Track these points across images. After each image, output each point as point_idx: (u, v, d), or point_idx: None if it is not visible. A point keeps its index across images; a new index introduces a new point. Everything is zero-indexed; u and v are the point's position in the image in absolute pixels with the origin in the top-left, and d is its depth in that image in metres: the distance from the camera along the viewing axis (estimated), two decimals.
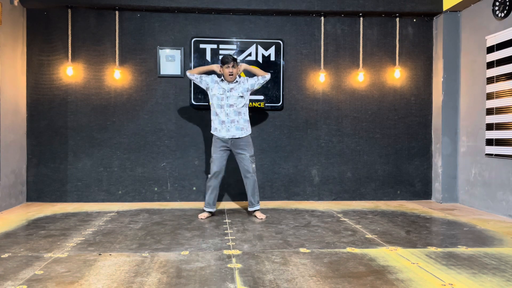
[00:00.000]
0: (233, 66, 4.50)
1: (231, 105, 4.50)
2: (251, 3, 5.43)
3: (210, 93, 4.61)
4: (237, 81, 4.58)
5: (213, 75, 4.66)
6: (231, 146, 4.55)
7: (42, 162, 5.47)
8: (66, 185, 5.49)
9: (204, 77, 4.62)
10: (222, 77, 4.59)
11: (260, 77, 4.66)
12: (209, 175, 4.59)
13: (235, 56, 4.66)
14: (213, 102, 4.56)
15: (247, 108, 4.64)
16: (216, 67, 4.65)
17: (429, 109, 5.86)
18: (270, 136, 5.69)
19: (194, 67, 5.56)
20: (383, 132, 5.81)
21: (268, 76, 4.68)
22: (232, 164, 5.63)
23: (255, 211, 4.64)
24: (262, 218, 4.55)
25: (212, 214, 4.68)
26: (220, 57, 5.61)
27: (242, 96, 4.55)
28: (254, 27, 5.67)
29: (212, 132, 4.60)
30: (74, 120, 5.50)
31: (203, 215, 4.58)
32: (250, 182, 4.58)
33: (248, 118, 4.63)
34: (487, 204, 5.03)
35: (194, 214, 4.74)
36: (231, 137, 4.50)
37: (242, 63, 4.85)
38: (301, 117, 5.72)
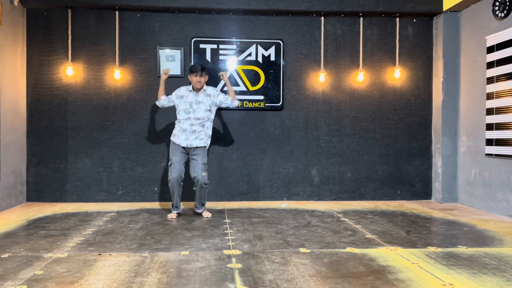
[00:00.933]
0: (201, 75, 4.51)
1: (197, 118, 4.52)
2: (251, 3, 5.43)
3: (177, 108, 4.62)
4: (205, 90, 4.58)
5: (177, 90, 4.66)
6: (188, 152, 4.55)
7: (42, 162, 5.47)
8: (66, 185, 5.49)
9: (171, 97, 4.66)
10: (191, 87, 4.61)
11: (229, 99, 4.66)
12: (169, 179, 4.52)
13: (203, 64, 4.65)
14: (179, 116, 4.58)
15: (211, 123, 4.64)
16: (163, 77, 4.71)
17: (429, 109, 5.86)
18: (270, 136, 5.69)
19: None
20: (383, 132, 5.81)
21: (236, 103, 4.70)
22: (232, 164, 5.63)
23: (201, 212, 4.70)
24: (208, 216, 4.61)
25: (179, 214, 4.70)
26: (220, 57, 5.62)
27: (209, 110, 4.57)
28: (254, 27, 5.67)
29: (171, 137, 4.60)
30: (74, 120, 5.50)
31: (172, 215, 4.60)
32: (197, 188, 4.54)
33: (210, 133, 4.62)
34: (487, 204, 5.03)
35: (194, 214, 4.74)
36: (187, 146, 4.50)
37: (224, 74, 4.79)
38: (301, 117, 5.72)
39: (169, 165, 4.57)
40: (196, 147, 4.51)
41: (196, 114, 4.51)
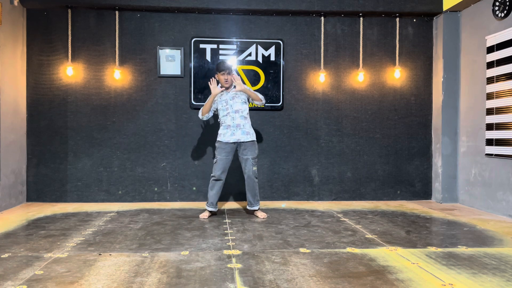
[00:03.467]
0: (228, 73, 4.55)
1: (236, 111, 4.53)
2: (251, 3, 5.43)
3: (218, 113, 4.66)
4: (235, 87, 4.59)
5: (217, 101, 4.63)
6: (237, 148, 4.57)
7: (42, 162, 5.47)
8: (66, 185, 5.49)
9: (214, 107, 4.66)
10: (220, 86, 4.65)
11: (258, 103, 4.67)
12: (212, 176, 4.58)
13: (231, 64, 4.64)
14: (220, 115, 4.63)
15: (249, 117, 4.68)
16: (214, 89, 4.58)
17: (429, 109, 5.86)
18: (270, 136, 5.69)
19: (194, 67, 5.58)
20: (383, 132, 5.81)
21: (263, 102, 4.68)
22: (232, 164, 5.62)
23: (254, 210, 4.67)
24: (264, 217, 4.57)
25: (213, 214, 4.69)
26: (220, 57, 5.61)
27: (245, 103, 4.61)
28: (254, 27, 5.67)
29: (218, 138, 4.59)
30: (74, 120, 5.50)
31: (204, 215, 4.60)
32: (250, 183, 4.59)
33: (251, 125, 4.66)
34: (487, 204, 5.03)
35: (194, 214, 4.74)
36: (235, 141, 4.51)
37: (240, 85, 4.59)
38: (301, 117, 5.72)
39: (214, 162, 4.59)
40: (244, 142, 4.52)
41: (234, 107, 4.53)
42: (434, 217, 4.69)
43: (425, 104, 5.86)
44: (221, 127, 4.60)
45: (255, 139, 4.62)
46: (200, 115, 4.70)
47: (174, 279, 2.65)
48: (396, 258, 3.12)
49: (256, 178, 4.60)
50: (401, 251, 3.30)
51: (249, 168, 4.54)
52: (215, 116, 4.79)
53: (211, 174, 4.61)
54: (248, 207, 4.70)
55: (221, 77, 4.56)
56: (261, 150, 5.67)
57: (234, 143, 4.53)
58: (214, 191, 4.58)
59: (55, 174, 5.48)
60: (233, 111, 4.53)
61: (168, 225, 4.21)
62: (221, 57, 5.62)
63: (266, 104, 5.63)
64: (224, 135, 4.53)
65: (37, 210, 4.93)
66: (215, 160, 4.58)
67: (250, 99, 4.66)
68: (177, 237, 3.73)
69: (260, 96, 4.64)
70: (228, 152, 4.55)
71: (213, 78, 4.67)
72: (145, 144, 5.58)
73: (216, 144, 4.60)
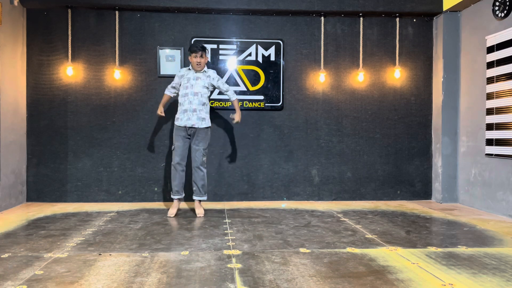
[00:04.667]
0: (201, 56, 4.53)
1: (195, 94, 4.53)
2: (251, 3, 5.43)
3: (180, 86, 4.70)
4: (205, 72, 4.61)
5: (178, 71, 4.75)
6: (191, 135, 4.59)
7: (42, 162, 5.47)
8: (66, 185, 5.49)
9: (175, 81, 4.72)
10: (190, 66, 4.66)
11: (230, 92, 4.74)
12: (172, 163, 4.61)
13: (202, 45, 4.67)
14: (179, 92, 4.64)
15: (208, 106, 4.68)
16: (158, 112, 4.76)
17: (429, 109, 5.86)
18: (270, 136, 5.69)
19: None
20: (383, 132, 5.81)
21: (234, 98, 4.79)
22: (232, 164, 5.63)
23: (199, 201, 4.68)
24: (201, 215, 4.60)
25: (180, 201, 4.72)
26: (220, 57, 5.62)
27: (207, 88, 4.59)
28: (254, 27, 5.67)
29: (175, 122, 4.64)
30: (74, 120, 5.50)
31: (172, 212, 4.62)
32: (200, 174, 4.60)
33: (208, 111, 4.65)
34: (487, 204, 5.03)
35: (194, 215, 4.74)
36: (190, 126, 4.52)
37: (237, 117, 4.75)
38: (301, 117, 5.72)
39: (172, 149, 4.62)
40: (198, 128, 4.53)
41: (194, 89, 4.52)
42: (434, 217, 4.69)
43: (425, 104, 5.86)
44: (178, 110, 4.61)
45: (209, 126, 4.62)
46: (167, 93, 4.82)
47: (174, 279, 2.65)
48: (396, 258, 3.12)
49: (205, 168, 4.63)
50: (401, 251, 3.30)
51: (199, 159, 4.56)
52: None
53: (172, 163, 4.64)
54: (194, 197, 4.69)
55: (193, 59, 4.54)
56: (261, 150, 5.68)
57: (190, 127, 4.53)
58: (176, 181, 4.60)
59: (55, 174, 5.48)
60: (192, 92, 4.52)
61: (168, 225, 4.21)
62: (221, 57, 5.62)
63: (266, 104, 5.63)
64: (181, 120, 4.54)
65: (37, 210, 4.93)
66: (173, 147, 4.61)
67: (221, 88, 4.69)
68: (177, 237, 3.73)
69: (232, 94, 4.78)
70: (185, 137, 4.56)
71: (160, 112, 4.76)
72: (145, 144, 5.58)
73: (174, 130, 4.63)
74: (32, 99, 5.46)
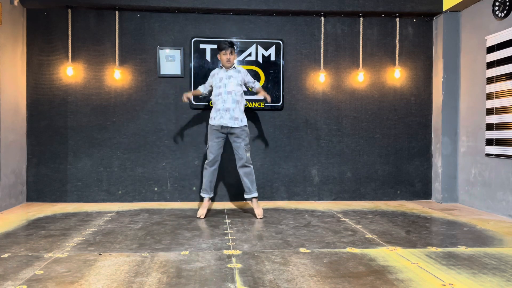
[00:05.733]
0: (230, 53, 4.54)
1: (229, 92, 4.50)
2: (251, 3, 5.43)
3: (212, 87, 4.72)
4: (235, 68, 4.61)
5: (212, 73, 4.75)
6: (228, 135, 4.58)
7: (42, 162, 5.47)
8: (66, 185, 5.49)
9: (207, 81, 4.75)
10: (220, 65, 4.65)
11: (256, 83, 4.76)
12: (206, 162, 4.62)
13: (231, 41, 4.68)
14: (213, 93, 4.63)
15: (244, 99, 4.67)
16: (184, 97, 4.73)
17: (429, 109, 5.86)
18: (270, 136, 5.69)
19: (194, 67, 5.58)
20: (383, 132, 5.81)
21: (257, 85, 4.80)
22: (232, 164, 5.63)
23: (253, 198, 4.62)
24: (261, 217, 4.56)
25: (210, 200, 4.74)
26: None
27: (240, 85, 4.58)
28: (254, 27, 5.67)
29: (209, 121, 4.63)
30: (74, 120, 5.50)
31: (202, 212, 4.58)
32: (245, 171, 4.58)
33: (243, 109, 4.61)
34: (487, 204, 5.03)
35: (194, 214, 4.74)
36: (224, 125, 4.49)
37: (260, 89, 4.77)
38: (301, 117, 5.72)
39: (206, 148, 4.64)
40: (232, 127, 4.49)
41: (227, 88, 4.50)
42: (434, 217, 4.69)
43: (425, 104, 5.86)
44: (212, 109, 4.61)
45: (244, 125, 4.55)
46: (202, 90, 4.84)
47: (174, 279, 2.65)
48: (396, 258, 3.12)
49: (251, 165, 4.61)
50: (401, 251, 3.30)
51: (243, 155, 4.52)
52: None
53: (206, 161, 4.64)
54: (245, 196, 4.66)
55: (223, 56, 4.54)
56: (261, 150, 5.68)
57: (222, 127, 4.50)
58: (206, 178, 4.61)
59: (55, 174, 5.48)
60: (225, 91, 4.50)
61: (168, 225, 4.22)
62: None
63: (266, 104, 5.63)
64: (214, 119, 4.53)
65: (37, 210, 4.93)
66: (207, 146, 4.61)
67: (249, 86, 4.72)
68: (177, 237, 3.73)
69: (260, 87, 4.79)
70: (218, 137, 4.54)
71: (185, 95, 4.74)
72: (145, 144, 5.58)
73: (208, 128, 4.63)
74: (32, 99, 5.46)
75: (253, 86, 4.77)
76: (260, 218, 4.54)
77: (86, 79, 5.52)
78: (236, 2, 5.42)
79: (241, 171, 4.61)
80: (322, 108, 5.75)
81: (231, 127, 4.50)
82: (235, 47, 4.68)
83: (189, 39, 5.58)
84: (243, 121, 4.55)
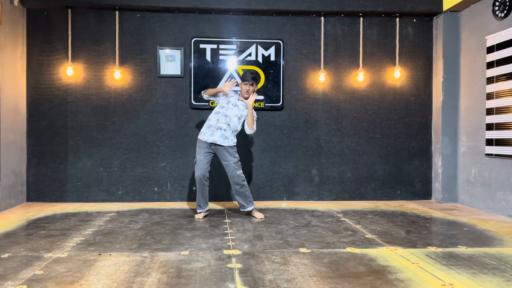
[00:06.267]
0: (251, 85, 4.55)
1: (226, 116, 4.50)
2: (251, 3, 5.43)
3: (217, 101, 4.73)
4: (243, 103, 4.61)
5: (225, 96, 4.68)
6: (215, 151, 4.51)
7: (42, 162, 5.47)
8: (66, 185, 5.49)
9: (220, 97, 4.70)
10: (239, 93, 4.67)
11: (247, 128, 4.59)
12: (195, 177, 4.53)
13: (254, 75, 4.66)
14: (215, 108, 4.63)
15: (238, 131, 4.58)
16: (226, 88, 4.66)
17: (429, 109, 5.86)
18: (270, 136, 5.69)
19: (194, 67, 5.58)
20: (383, 132, 5.81)
21: (248, 132, 4.60)
22: None
23: (249, 211, 4.64)
24: (261, 218, 4.55)
25: (207, 212, 4.68)
26: (220, 57, 5.61)
27: (239, 118, 4.54)
28: (254, 27, 5.67)
29: (198, 136, 4.57)
30: (74, 120, 5.50)
31: (199, 215, 4.58)
32: (237, 189, 4.51)
33: (234, 136, 4.55)
34: (487, 204, 5.03)
35: (194, 214, 4.74)
36: (212, 142, 4.45)
37: (251, 101, 4.62)
38: (301, 117, 5.72)
39: (194, 162, 4.60)
40: (221, 145, 4.44)
41: (227, 112, 4.51)
42: (434, 217, 4.69)
43: (425, 104, 5.86)
44: (204, 124, 4.59)
45: (233, 145, 4.50)
46: (202, 93, 4.76)
47: (174, 279, 2.65)
48: (396, 258, 3.12)
49: (244, 181, 4.51)
50: (401, 251, 3.30)
51: (233, 173, 4.45)
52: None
53: (194, 177, 4.57)
54: (241, 210, 4.65)
55: (244, 86, 4.57)
56: (261, 150, 5.68)
57: (211, 144, 4.47)
58: (199, 192, 4.53)
59: (55, 174, 5.48)
60: (224, 114, 4.50)
61: (168, 225, 4.21)
62: (221, 57, 5.62)
63: (266, 104, 5.63)
64: (205, 134, 4.50)
65: (37, 210, 4.93)
66: (195, 160, 4.56)
67: (244, 120, 4.61)
68: (177, 237, 3.73)
69: (254, 125, 4.58)
70: (206, 152, 4.49)
71: (234, 81, 4.75)
72: (145, 144, 5.58)
73: (197, 143, 4.57)
74: (32, 99, 5.46)
75: (244, 126, 4.61)
76: (260, 219, 4.53)
77: (86, 79, 5.52)
78: (236, 2, 5.42)
79: (233, 189, 4.57)
80: (322, 108, 5.75)
81: (220, 145, 4.45)
82: (258, 81, 4.66)
83: (189, 39, 5.58)
84: (233, 141, 4.52)
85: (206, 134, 4.49)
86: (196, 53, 5.59)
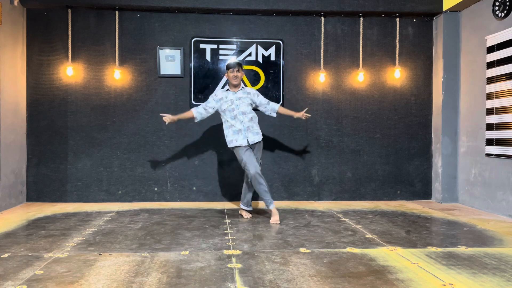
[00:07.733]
0: (237, 70, 4.48)
1: (243, 113, 4.47)
2: (251, 3, 5.43)
3: (221, 111, 4.54)
4: (243, 88, 4.56)
5: (213, 95, 4.56)
6: (252, 148, 4.52)
7: (42, 162, 5.47)
8: (66, 185, 5.49)
9: (209, 104, 4.52)
10: (227, 86, 4.61)
11: (271, 106, 4.62)
12: (251, 175, 4.33)
13: (239, 61, 4.59)
14: (226, 116, 4.50)
15: (256, 116, 4.60)
16: (168, 118, 4.54)
17: (429, 109, 5.86)
18: (270, 136, 5.69)
19: (194, 67, 5.59)
20: (383, 132, 5.81)
21: (274, 114, 4.70)
22: (232, 164, 5.63)
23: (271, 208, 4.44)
24: (276, 223, 4.32)
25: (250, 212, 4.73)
26: (220, 57, 5.62)
27: (250, 104, 4.55)
28: (254, 27, 5.67)
29: (229, 146, 4.47)
30: (74, 120, 5.50)
31: (247, 214, 4.63)
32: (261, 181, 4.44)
33: (257, 122, 4.60)
34: (487, 204, 5.03)
35: (194, 214, 4.74)
36: (251, 143, 4.45)
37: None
38: None
39: (243, 167, 4.44)
40: (258, 142, 4.51)
41: (240, 109, 4.48)
42: (434, 217, 4.69)
43: (425, 104, 5.86)
44: (229, 132, 4.46)
45: (262, 138, 4.62)
46: (195, 119, 4.60)
47: (174, 279, 2.65)
48: (396, 258, 3.12)
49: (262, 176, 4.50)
50: (401, 251, 3.30)
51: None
52: (215, 115, 4.72)
53: (248, 177, 4.40)
54: (269, 206, 4.41)
55: (230, 74, 4.49)
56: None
57: (251, 144, 4.48)
58: (250, 191, 4.61)
59: (55, 174, 5.48)
60: (240, 112, 4.46)
61: (168, 225, 4.21)
62: (221, 57, 5.62)
63: None
64: (237, 140, 4.42)
65: (37, 210, 4.93)
66: (243, 163, 4.40)
67: (262, 105, 4.63)
68: (177, 237, 3.73)
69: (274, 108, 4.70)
70: (248, 150, 4.42)
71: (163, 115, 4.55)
72: (145, 144, 5.58)
73: (235, 151, 4.48)
74: (32, 99, 5.46)
75: (268, 107, 4.62)
76: (276, 224, 4.31)
77: (86, 79, 5.52)
78: (236, 2, 5.42)
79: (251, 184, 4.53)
80: (322, 108, 5.75)
81: (258, 142, 4.52)
82: (242, 67, 4.55)
83: (189, 39, 5.58)
84: (261, 134, 4.59)
85: (239, 139, 4.42)
86: (196, 53, 5.59)
